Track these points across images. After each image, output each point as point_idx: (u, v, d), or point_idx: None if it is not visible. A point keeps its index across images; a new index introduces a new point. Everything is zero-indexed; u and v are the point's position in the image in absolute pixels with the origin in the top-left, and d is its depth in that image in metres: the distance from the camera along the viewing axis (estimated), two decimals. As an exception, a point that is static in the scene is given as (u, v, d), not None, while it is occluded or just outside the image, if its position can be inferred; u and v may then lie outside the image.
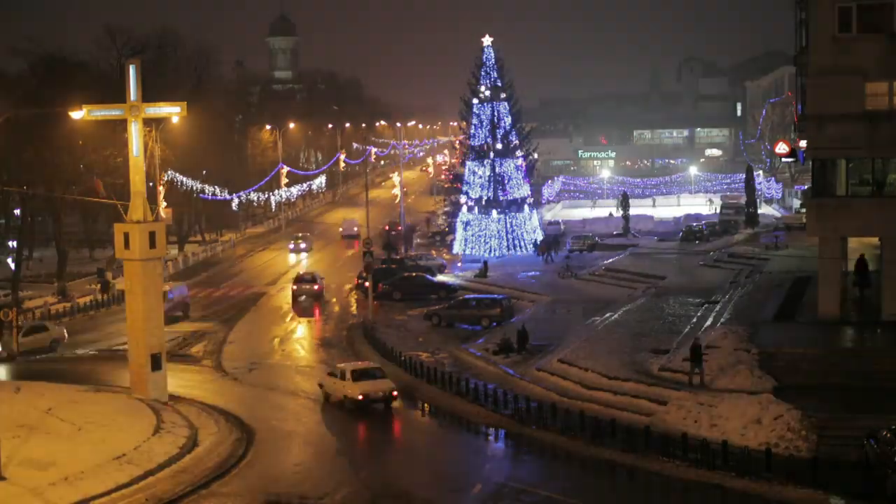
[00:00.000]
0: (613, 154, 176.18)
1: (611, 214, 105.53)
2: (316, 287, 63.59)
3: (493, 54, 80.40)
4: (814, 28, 38.50)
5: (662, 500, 28.42)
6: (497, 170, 79.90)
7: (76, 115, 40.85)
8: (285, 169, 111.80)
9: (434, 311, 54.08)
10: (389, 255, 76.22)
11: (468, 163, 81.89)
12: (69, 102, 48.99)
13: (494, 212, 79.28)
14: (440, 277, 67.19)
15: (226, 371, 45.32)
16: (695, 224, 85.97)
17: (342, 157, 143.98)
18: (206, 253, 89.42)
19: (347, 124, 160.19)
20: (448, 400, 38.20)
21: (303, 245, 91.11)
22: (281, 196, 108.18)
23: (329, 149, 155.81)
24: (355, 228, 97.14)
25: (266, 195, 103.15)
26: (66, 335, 52.13)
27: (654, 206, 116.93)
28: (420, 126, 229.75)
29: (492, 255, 76.85)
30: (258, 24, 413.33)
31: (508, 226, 79.52)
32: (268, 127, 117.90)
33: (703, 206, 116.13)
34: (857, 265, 41.54)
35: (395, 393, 37.08)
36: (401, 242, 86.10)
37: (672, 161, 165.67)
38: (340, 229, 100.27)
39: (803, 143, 41.68)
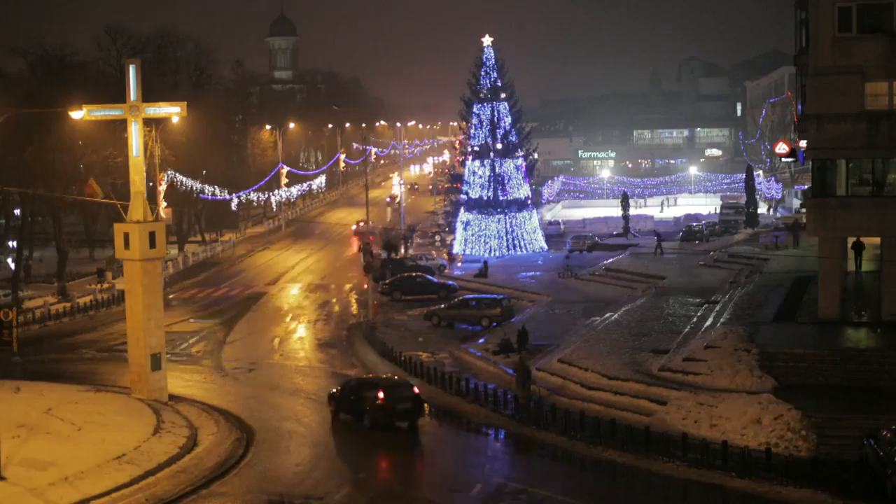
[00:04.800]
0: (613, 154, 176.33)
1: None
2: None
3: (493, 54, 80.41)
4: (814, 28, 38.49)
5: (662, 500, 28.41)
6: (497, 170, 79.91)
7: (76, 115, 40.86)
8: (285, 169, 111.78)
9: (434, 311, 54.08)
10: (389, 255, 76.23)
11: (468, 163, 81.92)
12: (69, 102, 48.95)
13: (495, 212, 79.31)
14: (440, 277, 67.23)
15: (226, 371, 45.31)
16: (695, 224, 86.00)
17: (342, 157, 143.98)
18: (206, 253, 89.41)
19: (347, 124, 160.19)
20: (448, 400, 38.20)
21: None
22: (281, 196, 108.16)
23: (329, 149, 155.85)
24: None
25: (266, 195, 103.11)
26: None
27: (661, 209, 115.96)
28: (420, 126, 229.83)
29: (492, 255, 76.86)
30: (258, 24, 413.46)
31: (508, 226, 79.54)
32: (268, 127, 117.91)
33: (702, 206, 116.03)
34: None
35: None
36: (401, 242, 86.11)
37: (672, 161, 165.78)
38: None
39: (803, 143, 41.68)
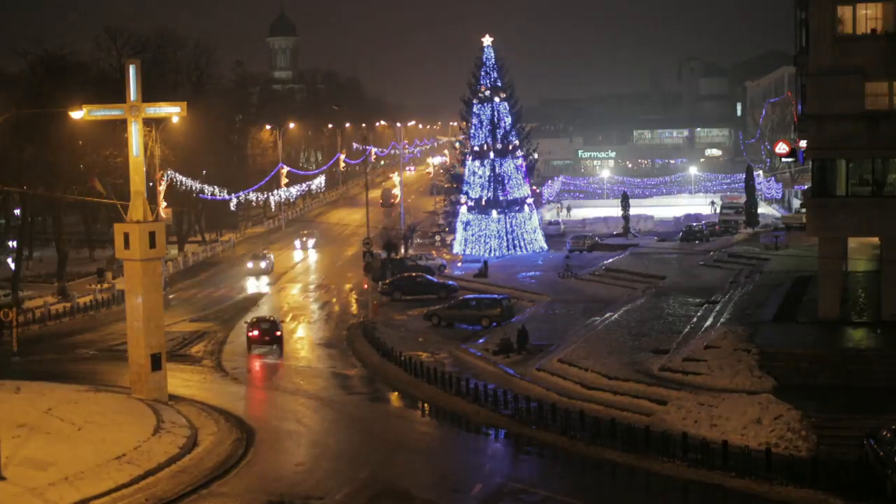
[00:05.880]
0: (613, 154, 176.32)
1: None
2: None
3: (493, 54, 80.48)
4: (814, 28, 38.49)
5: (662, 500, 28.42)
6: (497, 170, 79.94)
7: (76, 115, 40.89)
8: (285, 169, 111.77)
9: (434, 311, 54.09)
10: (389, 255, 76.22)
11: (468, 163, 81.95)
12: (69, 102, 48.97)
13: (494, 212, 79.34)
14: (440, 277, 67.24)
15: (226, 371, 45.30)
16: (695, 224, 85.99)
17: (342, 157, 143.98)
18: (206, 253, 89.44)
19: (347, 124, 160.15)
20: (448, 400, 38.20)
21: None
22: (280, 196, 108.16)
23: (329, 149, 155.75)
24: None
25: (265, 195, 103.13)
26: None
27: (712, 204, 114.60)
28: (420, 126, 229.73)
29: (492, 255, 76.87)
30: (258, 24, 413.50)
31: (508, 226, 79.55)
32: (268, 127, 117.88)
33: (705, 206, 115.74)
34: None
35: None
36: (401, 242, 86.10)
37: (672, 161, 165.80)
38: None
39: (803, 143, 41.67)
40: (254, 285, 72.78)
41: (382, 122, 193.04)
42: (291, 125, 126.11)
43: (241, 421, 35.60)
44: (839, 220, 38.56)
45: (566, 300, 56.92)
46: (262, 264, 79.39)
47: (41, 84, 70.57)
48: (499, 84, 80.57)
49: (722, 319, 41.79)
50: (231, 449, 32.14)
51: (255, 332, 48.91)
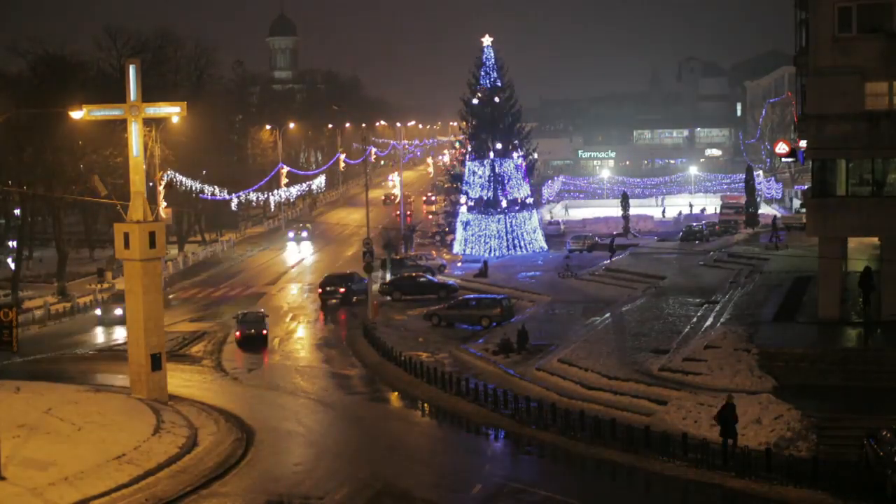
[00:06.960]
0: (613, 154, 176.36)
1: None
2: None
3: (493, 54, 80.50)
4: (814, 28, 38.48)
5: (662, 500, 28.41)
6: (497, 170, 79.93)
7: (76, 115, 40.89)
8: (285, 169, 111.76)
9: (434, 311, 54.07)
10: (389, 255, 76.22)
11: (468, 163, 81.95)
12: (69, 102, 49.01)
13: (495, 212, 79.33)
14: (440, 277, 67.19)
15: (226, 371, 45.31)
16: (695, 224, 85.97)
17: (342, 157, 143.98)
18: (206, 253, 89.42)
19: (347, 124, 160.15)
20: (448, 400, 38.20)
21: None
22: (280, 196, 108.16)
23: (329, 149, 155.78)
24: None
25: (265, 195, 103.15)
26: None
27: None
28: (420, 126, 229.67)
29: (492, 255, 76.86)
30: (258, 24, 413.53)
31: (508, 226, 79.54)
32: (268, 127, 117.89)
33: (704, 206, 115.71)
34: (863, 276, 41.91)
35: None
36: (401, 242, 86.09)
37: (672, 161, 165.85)
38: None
39: (803, 143, 41.65)
40: (260, 283, 72.76)
41: (382, 122, 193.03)
42: (291, 125, 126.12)
43: (241, 421, 35.59)
44: (839, 220, 38.56)
45: (566, 300, 56.90)
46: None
47: (41, 84, 70.60)
48: (499, 84, 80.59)
49: (722, 319, 41.79)
50: (231, 449, 32.13)
51: (238, 333, 50.80)
